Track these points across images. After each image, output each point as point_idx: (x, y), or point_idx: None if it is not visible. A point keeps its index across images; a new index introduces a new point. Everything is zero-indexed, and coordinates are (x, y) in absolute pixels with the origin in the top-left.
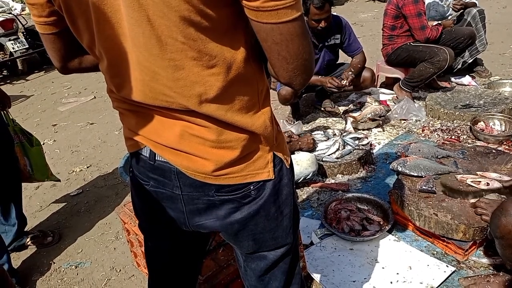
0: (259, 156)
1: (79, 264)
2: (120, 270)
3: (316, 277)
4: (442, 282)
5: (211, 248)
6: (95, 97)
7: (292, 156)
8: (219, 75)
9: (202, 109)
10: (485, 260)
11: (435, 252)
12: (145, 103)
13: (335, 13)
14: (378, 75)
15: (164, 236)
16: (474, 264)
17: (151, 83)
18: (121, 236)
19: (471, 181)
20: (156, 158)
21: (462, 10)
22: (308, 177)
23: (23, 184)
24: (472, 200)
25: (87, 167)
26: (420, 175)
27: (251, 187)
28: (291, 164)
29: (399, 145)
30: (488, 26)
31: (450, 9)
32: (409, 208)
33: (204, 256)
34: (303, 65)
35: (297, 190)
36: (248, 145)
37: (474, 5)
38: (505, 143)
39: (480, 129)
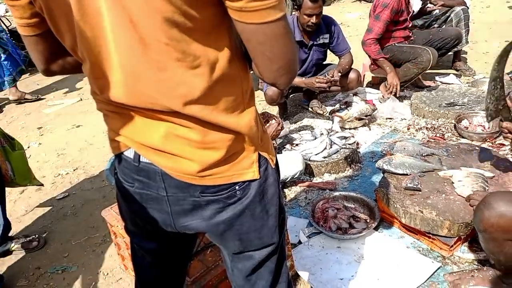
0: (244, 156)
1: (65, 268)
2: (107, 274)
3: (304, 275)
4: (428, 278)
5: (199, 249)
6: (81, 99)
7: (280, 155)
8: (203, 75)
9: (186, 110)
10: (470, 256)
11: (421, 249)
12: (128, 104)
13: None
14: (364, 75)
15: (150, 238)
16: (459, 259)
17: (134, 84)
18: (108, 239)
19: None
20: (141, 160)
21: (448, 9)
22: (296, 176)
23: (7, 188)
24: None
25: (74, 170)
26: (405, 173)
27: (237, 187)
28: (277, 164)
29: (385, 143)
30: (471, 26)
31: (437, 10)
32: (395, 206)
33: (191, 258)
34: (287, 65)
35: (284, 189)
36: (233, 145)
37: (461, 3)
38: (488, 140)
39: (464, 127)
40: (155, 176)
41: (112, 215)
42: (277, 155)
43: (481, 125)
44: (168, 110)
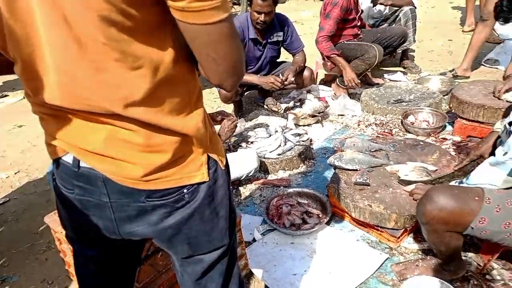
0: (193, 158)
1: (5, 279)
2: (52, 283)
3: (258, 273)
4: (377, 269)
5: (149, 254)
6: (23, 98)
7: (235, 153)
8: (146, 77)
9: (128, 113)
10: (415, 246)
11: (370, 241)
12: (65, 107)
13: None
14: (317, 73)
15: (92, 246)
16: (405, 250)
17: (70, 86)
18: (52, 246)
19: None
20: (80, 165)
21: (397, 8)
22: (250, 174)
23: None
24: (409, 188)
25: (15, 173)
26: (355, 168)
27: (185, 191)
28: (227, 165)
29: (337, 139)
30: (417, 25)
31: (387, 10)
32: (345, 201)
33: (139, 264)
34: (232, 66)
35: (239, 187)
36: (180, 148)
37: (409, 3)
38: (432, 135)
39: (411, 122)
40: (96, 181)
41: (56, 221)
42: (232, 153)
43: (426, 121)
44: (109, 113)
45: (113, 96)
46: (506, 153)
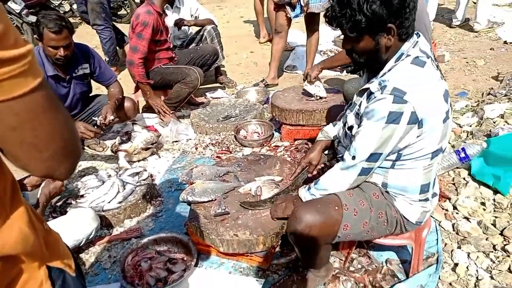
0: (26, 279)
1: None
2: None
3: None
4: None
5: None
6: None
7: (64, 217)
8: None
9: None
10: (283, 260)
11: (242, 269)
12: None
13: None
14: (138, 101)
15: None
16: (277, 267)
17: None
18: None
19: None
20: None
21: (201, 28)
22: (91, 236)
23: None
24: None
25: None
26: (210, 199)
27: None
28: (78, 267)
29: (179, 169)
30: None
31: (191, 29)
32: (211, 237)
33: None
34: (64, 147)
35: (80, 255)
36: (2, 276)
37: (210, 22)
38: (265, 144)
39: (244, 136)
40: None
41: None
42: (61, 217)
43: (256, 132)
44: None
45: None
46: (354, 156)
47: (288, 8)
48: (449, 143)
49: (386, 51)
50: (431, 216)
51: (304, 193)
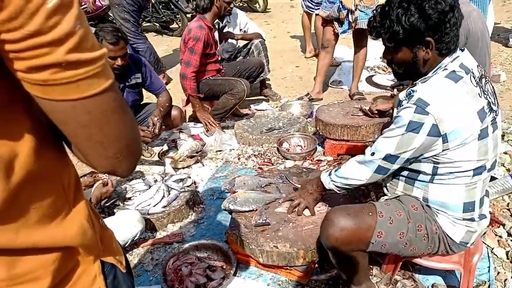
0: (82, 272)
1: None
2: None
3: None
4: None
5: None
6: None
7: (111, 218)
8: None
9: None
10: (323, 276)
11: (280, 282)
12: None
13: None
14: (185, 110)
15: None
16: (316, 283)
17: None
18: None
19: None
20: None
21: (248, 42)
22: (136, 238)
23: None
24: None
25: None
26: (251, 209)
27: None
28: (128, 265)
29: (222, 178)
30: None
31: (238, 43)
32: (250, 247)
33: None
34: (127, 147)
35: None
36: (62, 266)
37: (258, 36)
38: (308, 158)
39: (286, 149)
40: None
41: None
42: (109, 217)
43: (299, 145)
44: None
45: None
46: (373, 153)
47: (336, 23)
48: (504, 166)
49: (425, 64)
50: (483, 242)
51: (325, 178)
